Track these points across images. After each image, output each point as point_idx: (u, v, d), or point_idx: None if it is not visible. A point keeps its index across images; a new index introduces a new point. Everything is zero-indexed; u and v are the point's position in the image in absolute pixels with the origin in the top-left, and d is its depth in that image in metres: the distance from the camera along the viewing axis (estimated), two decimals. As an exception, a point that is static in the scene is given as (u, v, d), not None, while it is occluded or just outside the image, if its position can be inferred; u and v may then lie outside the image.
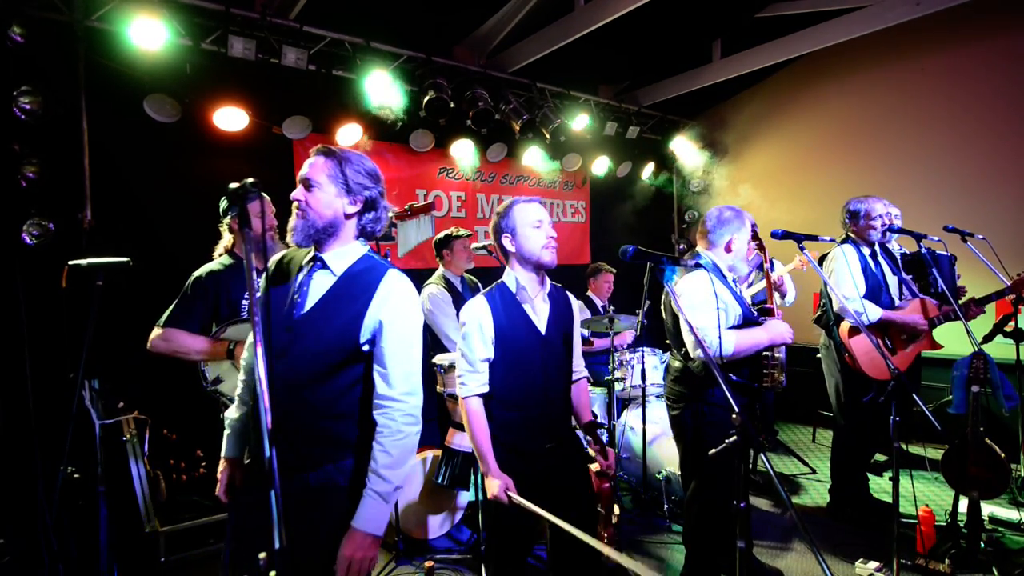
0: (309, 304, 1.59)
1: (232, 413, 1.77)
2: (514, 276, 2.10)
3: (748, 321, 2.53)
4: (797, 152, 5.96)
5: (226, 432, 1.76)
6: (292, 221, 1.61)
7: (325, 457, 1.55)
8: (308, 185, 1.60)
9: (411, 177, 5.01)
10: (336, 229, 1.62)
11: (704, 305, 2.40)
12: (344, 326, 1.56)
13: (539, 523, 1.97)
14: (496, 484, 1.93)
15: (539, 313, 2.10)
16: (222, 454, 1.76)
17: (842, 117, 5.61)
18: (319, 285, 1.61)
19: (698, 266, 2.41)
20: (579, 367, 2.28)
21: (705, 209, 6.32)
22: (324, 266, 1.63)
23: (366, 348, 1.59)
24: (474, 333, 2.02)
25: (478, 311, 2.03)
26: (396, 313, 1.59)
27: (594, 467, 2.48)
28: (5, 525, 2.90)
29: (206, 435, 2.51)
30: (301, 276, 1.64)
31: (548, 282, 2.16)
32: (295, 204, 1.61)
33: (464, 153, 5.04)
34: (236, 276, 2.42)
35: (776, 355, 2.49)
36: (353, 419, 1.59)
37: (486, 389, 2.03)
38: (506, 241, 2.07)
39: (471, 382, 2.03)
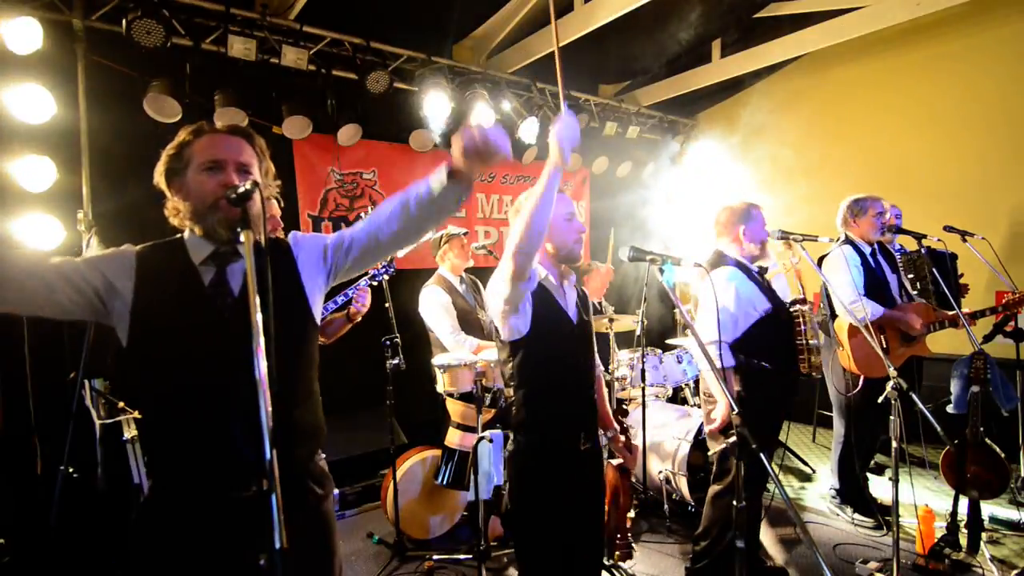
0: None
1: None
2: (540, 268, 2.08)
3: (774, 313, 2.54)
4: (797, 152, 5.94)
5: None
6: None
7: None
8: (248, 171, 1.43)
9: (411, 177, 5.01)
10: None
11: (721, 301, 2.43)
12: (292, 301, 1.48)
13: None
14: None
15: (569, 304, 2.08)
16: None
17: (842, 117, 5.60)
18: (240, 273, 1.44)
19: (717, 264, 2.41)
20: (597, 360, 2.27)
21: (704, 209, 6.29)
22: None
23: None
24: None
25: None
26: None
27: (615, 461, 2.50)
28: (5, 525, 2.89)
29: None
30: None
31: (572, 275, 2.15)
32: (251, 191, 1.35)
33: (464, 153, 5.03)
34: None
35: (809, 341, 2.50)
36: (313, 401, 1.52)
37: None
38: None
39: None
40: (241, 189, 1.28)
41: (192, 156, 1.41)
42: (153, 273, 1.38)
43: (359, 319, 2.70)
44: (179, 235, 1.47)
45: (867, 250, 3.39)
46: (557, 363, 1.99)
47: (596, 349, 2.23)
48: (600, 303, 4.68)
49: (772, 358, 2.55)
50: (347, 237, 1.52)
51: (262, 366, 1.09)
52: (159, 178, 1.45)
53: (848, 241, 3.42)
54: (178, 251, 1.42)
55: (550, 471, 1.95)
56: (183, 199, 1.41)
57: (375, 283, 2.82)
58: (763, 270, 2.82)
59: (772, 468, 1.51)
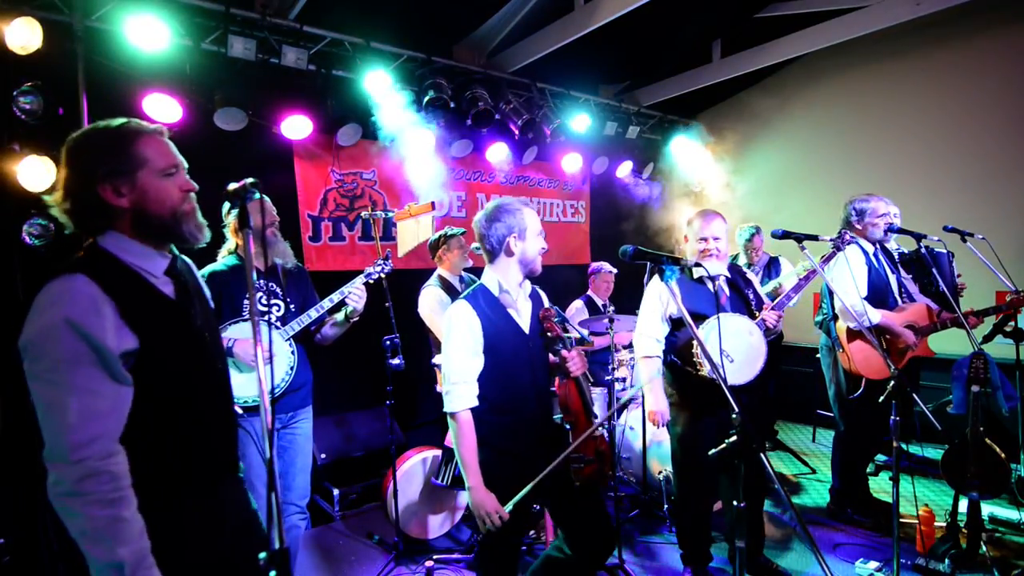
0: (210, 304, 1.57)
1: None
2: (496, 278, 2.08)
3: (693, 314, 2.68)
4: (797, 152, 5.95)
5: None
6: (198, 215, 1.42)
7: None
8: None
9: (410, 177, 5.00)
10: None
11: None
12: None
13: (530, 515, 2.04)
14: (488, 503, 1.92)
15: (522, 313, 2.12)
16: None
17: (842, 117, 5.60)
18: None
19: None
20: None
21: (703, 209, 6.27)
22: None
23: None
24: (465, 343, 1.99)
25: (466, 318, 1.99)
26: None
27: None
28: (5, 525, 2.89)
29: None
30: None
31: (528, 283, 2.18)
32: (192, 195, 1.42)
33: (464, 153, 5.04)
34: (238, 276, 2.44)
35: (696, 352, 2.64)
36: None
37: (476, 403, 2.00)
38: (512, 240, 2.04)
39: (463, 395, 1.99)
40: (232, 185, 1.29)
41: (144, 158, 1.33)
42: (136, 308, 1.26)
43: (357, 318, 2.69)
44: (85, 249, 1.38)
45: (870, 250, 3.39)
46: (510, 375, 2.03)
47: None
48: (606, 304, 4.67)
49: (677, 355, 2.78)
50: None
51: (261, 366, 1.11)
52: (85, 177, 1.34)
53: (851, 241, 3.41)
54: (121, 269, 1.34)
55: (511, 473, 1.98)
56: (131, 203, 1.33)
57: (371, 281, 2.79)
58: (740, 270, 2.97)
59: (772, 469, 1.50)
